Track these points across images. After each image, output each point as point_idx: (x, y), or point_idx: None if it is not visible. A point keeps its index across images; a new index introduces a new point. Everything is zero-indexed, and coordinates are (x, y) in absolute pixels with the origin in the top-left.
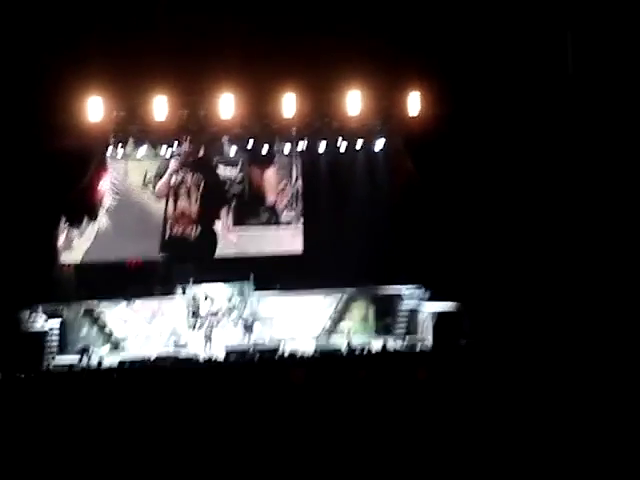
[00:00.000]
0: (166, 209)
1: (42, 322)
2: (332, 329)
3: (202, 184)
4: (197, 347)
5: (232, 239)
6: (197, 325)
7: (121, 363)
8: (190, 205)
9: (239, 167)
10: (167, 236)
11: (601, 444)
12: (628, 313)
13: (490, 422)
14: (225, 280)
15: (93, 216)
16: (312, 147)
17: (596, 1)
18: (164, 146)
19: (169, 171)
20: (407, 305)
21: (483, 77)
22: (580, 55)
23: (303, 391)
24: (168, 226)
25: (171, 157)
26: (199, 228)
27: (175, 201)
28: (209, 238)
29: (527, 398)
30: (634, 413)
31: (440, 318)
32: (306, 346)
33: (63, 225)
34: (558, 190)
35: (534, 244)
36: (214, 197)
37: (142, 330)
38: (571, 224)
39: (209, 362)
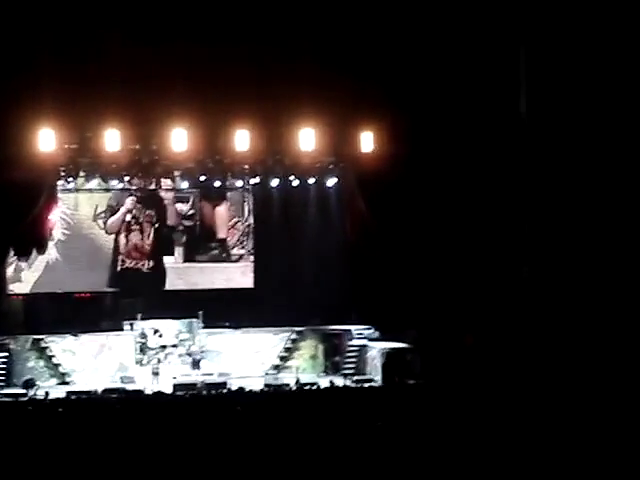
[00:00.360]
0: (116, 243)
1: None
2: (281, 366)
3: (153, 219)
4: (144, 381)
5: (182, 274)
6: (145, 360)
7: (68, 394)
8: (141, 239)
9: (191, 202)
10: (117, 270)
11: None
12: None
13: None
14: (174, 316)
15: (42, 248)
16: (264, 183)
17: (548, 42)
18: (115, 179)
19: (122, 208)
20: (356, 344)
21: (436, 117)
22: (532, 95)
23: (250, 426)
24: (118, 260)
25: (122, 190)
26: (149, 262)
27: (126, 235)
28: (159, 272)
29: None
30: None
31: (389, 357)
32: (254, 382)
33: (12, 257)
34: (508, 229)
35: (482, 285)
36: (165, 232)
37: (89, 364)
38: (524, 262)
39: (156, 396)
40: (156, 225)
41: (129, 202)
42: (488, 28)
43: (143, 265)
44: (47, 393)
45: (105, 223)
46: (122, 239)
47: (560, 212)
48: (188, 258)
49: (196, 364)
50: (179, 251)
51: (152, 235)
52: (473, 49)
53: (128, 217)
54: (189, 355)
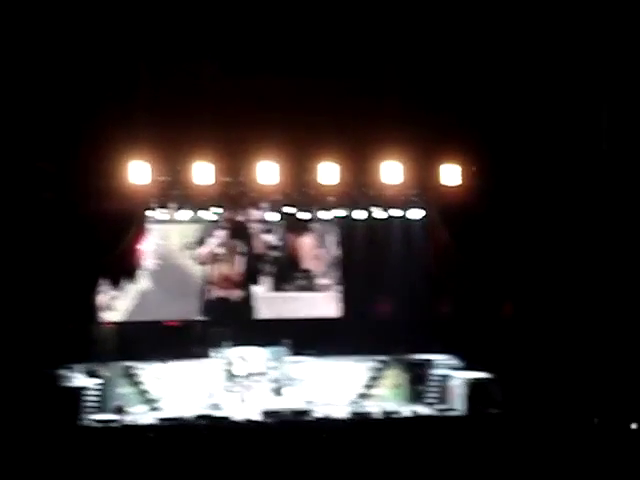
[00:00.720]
0: (206, 273)
1: (80, 380)
2: (366, 395)
3: (242, 249)
4: (232, 409)
5: (269, 303)
6: (232, 387)
7: (157, 421)
8: (230, 269)
9: (277, 233)
10: (206, 299)
11: None
12: None
13: None
14: (262, 343)
15: (133, 277)
16: (349, 215)
17: (631, 78)
18: (205, 211)
19: (211, 238)
20: (440, 373)
21: (520, 152)
22: (614, 132)
23: (336, 454)
24: (208, 289)
25: (212, 222)
26: (238, 292)
27: (215, 265)
28: (247, 302)
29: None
30: None
31: (472, 387)
32: (339, 411)
33: (104, 286)
34: (594, 263)
35: (569, 319)
36: (253, 262)
37: (178, 390)
38: (607, 298)
39: (244, 423)
40: (244, 255)
41: (218, 233)
42: (572, 68)
43: (232, 294)
44: (137, 418)
45: (195, 253)
46: (211, 269)
47: None
48: (275, 288)
49: (283, 391)
50: (266, 281)
51: (240, 265)
52: (557, 87)
53: (217, 248)
54: (276, 382)
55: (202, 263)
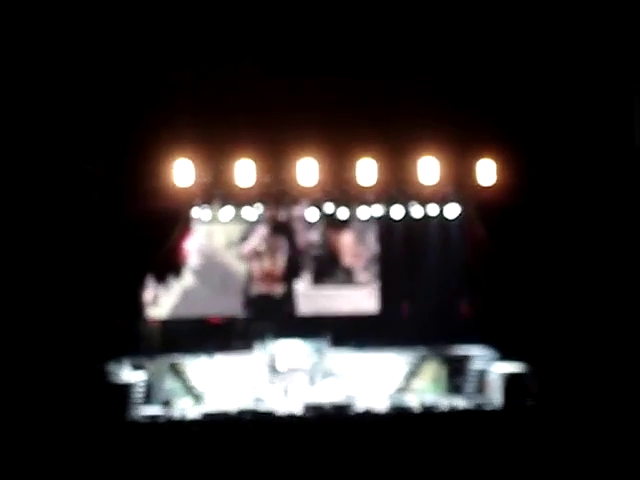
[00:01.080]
0: (248, 270)
1: (128, 374)
2: (405, 388)
3: (283, 246)
4: (275, 402)
5: (310, 299)
6: (275, 380)
7: (203, 415)
8: (272, 266)
9: (318, 231)
10: (249, 295)
11: None
12: None
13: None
14: (303, 337)
15: (178, 275)
16: (387, 212)
17: None
18: (247, 209)
19: (253, 235)
20: (477, 365)
21: (555, 148)
22: None
23: (376, 447)
24: (250, 286)
25: (254, 221)
26: (280, 288)
27: (258, 262)
28: (289, 298)
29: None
30: None
31: (509, 379)
32: (379, 404)
33: (150, 282)
34: (628, 258)
35: (603, 312)
36: (295, 259)
37: (223, 385)
38: None
39: (287, 417)
40: (285, 252)
41: (260, 231)
42: (604, 61)
43: (274, 290)
44: (183, 411)
45: (238, 251)
46: (254, 266)
47: None
48: (316, 284)
49: (324, 385)
50: (307, 277)
51: (282, 262)
52: (590, 83)
53: (259, 245)
54: (318, 376)
55: (245, 260)
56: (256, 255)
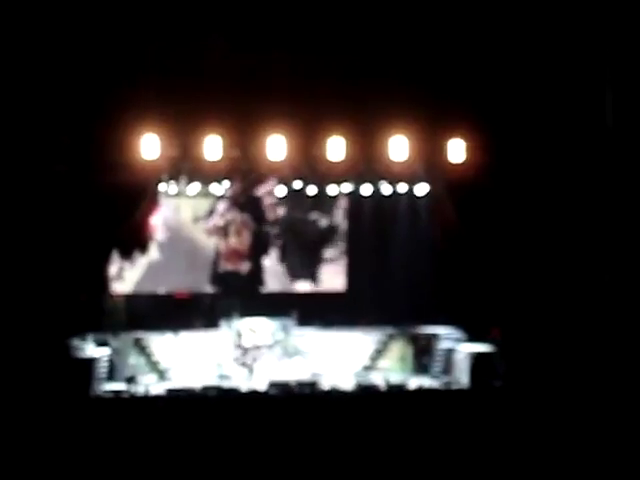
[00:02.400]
0: (216, 246)
1: (92, 350)
2: (371, 366)
3: (251, 223)
4: (240, 379)
5: (277, 276)
6: (241, 357)
7: (167, 392)
8: (239, 243)
9: (286, 207)
10: (216, 271)
11: None
12: None
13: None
14: (269, 315)
15: (144, 249)
16: (357, 189)
17: (636, 54)
18: (215, 184)
19: (220, 210)
20: (444, 345)
21: (525, 128)
22: (619, 108)
23: (342, 425)
24: (217, 262)
25: (222, 196)
26: (247, 265)
27: (225, 238)
28: (256, 275)
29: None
30: None
31: (476, 359)
32: (345, 382)
33: (115, 257)
34: (596, 239)
35: (571, 292)
36: (262, 235)
37: (187, 361)
38: (611, 271)
39: (252, 394)
40: (253, 229)
41: (227, 206)
42: (575, 40)
43: (241, 267)
44: (148, 387)
45: (205, 226)
46: (221, 242)
47: None
48: (283, 259)
49: (290, 362)
50: (274, 254)
51: (249, 239)
52: (561, 61)
53: (226, 221)
54: (283, 353)
55: (212, 235)
56: (223, 231)
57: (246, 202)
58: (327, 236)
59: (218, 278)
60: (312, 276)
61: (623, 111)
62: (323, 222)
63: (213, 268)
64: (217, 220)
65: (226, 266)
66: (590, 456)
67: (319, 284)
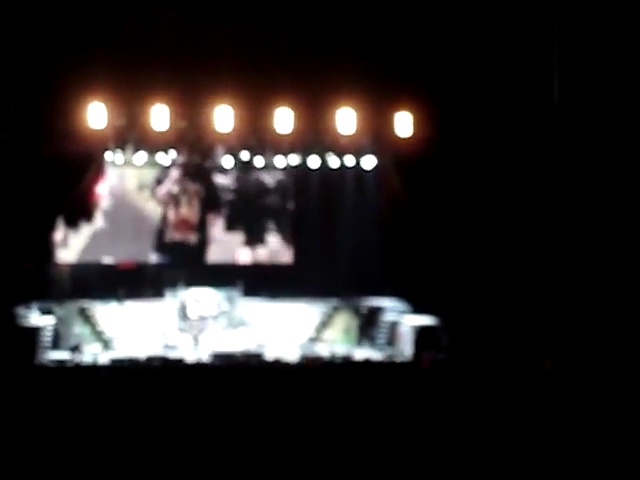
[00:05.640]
0: (162, 215)
1: (36, 318)
2: (316, 338)
3: (198, 193)
4: (185, 349)
5: (224, 247)
6: (186, 328)
7: (111, 361)
8: (185, 213)
9: (233, 177)
10: (162, 241)
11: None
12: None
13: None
14: (214, 286)
15: (89, 218)
16: (304, 162)
17: (582, 29)
18: (162, 154)
19: (167, 180)
20: (389, 317)
21: (473, 102)
22: (565, 84)
23: (285, 397)
24: (163, 231)
25: (169, 166)
26: (193, 234)
27: (171, 208)
28: (202, 244)
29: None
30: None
31: (420, 331)
32: (290, 353)
33: (60, 225)
34: (541, 214)
35: (515, 265)
36: (208, 204)
37: (132, 331)
38: (553, 245)
39: (196, 364)
40: (199, 199)
41: (175, 176)
42: (522, 14)
43: (187, 237)
44: (93, 359)
45: (151, 196)
46: (168, 212)
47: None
48: (230, 230)
49: (235, 333)
50: (221, 225)
51: (197, 209)
52: (507, 35)
53: (174, 190)
54: (228, 324)
55: (162, 204)
56: (169, 201)
57: (193, 172)
58: (274, 208)
59: (164, 247)
60: (258, 247)
61: (569, 86)
62: (270, 193)
63: (159, 237)
64: (169, 187)
65: (174, 236)
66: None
67: (265, 256)
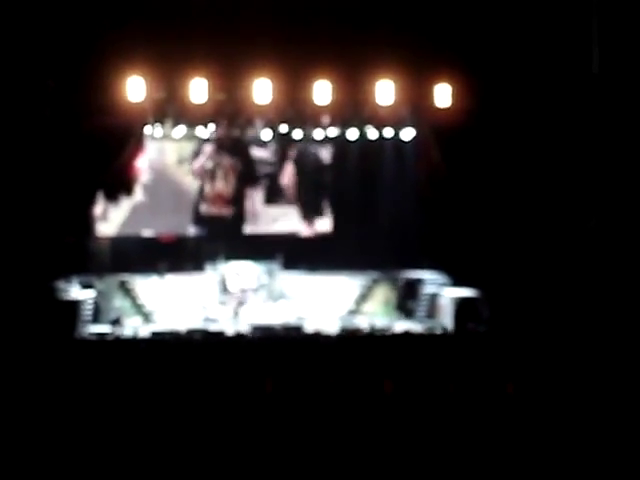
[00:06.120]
0: (200, 188)
1: (77, 292)
2: (355, 310)
3: (236, 165)
4: (225, 322)
5: (262, 219)
6: (226, 301)
7: (152, 334)
8: (224, 185)
9: (272, 149)
10: (200, 214)
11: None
12: None
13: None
14: (254, 258)
15: (129, 192)
16: (343, 134)
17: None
18: (200, 127)
19: (205, 152)
20: (429, 290)
21: (511, 73)
22: (605, 55)
23: (325, 368)
24: (201, 205)
25: (207, 139)
26: (231, 207)
27: (209, 181)
28: (240, 217)
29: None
30: None
31: (460, 304)
32: (330, 326)
33: (100, 199)
34: (581, 184)
35: (555, 236)
36: (247, 177)
37: (173, 304)
38: (594, 216)
39: (236, 337)
40: (237, 172)
41: (209, 144)
42: None
43: (225, 210)
44: (133, 330)
45: (189, 169)
46: (206, 185)
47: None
48: (268, 203)
49: (275, 306)
50: (260, 197)
51: (233, 183)
52: (547, 5)
53: (211, 164)
54: (268, 297)
55: (198, 177)
56: (207, 174)
57: (231, 145)
58: (314, 180)
59: (202, 221)
60: (298, 220)
61: (609, 57)
62: (309, 166)
63: (195, 210)
64: (204, 162)
65: (210, 209)
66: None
67: (305, 228)
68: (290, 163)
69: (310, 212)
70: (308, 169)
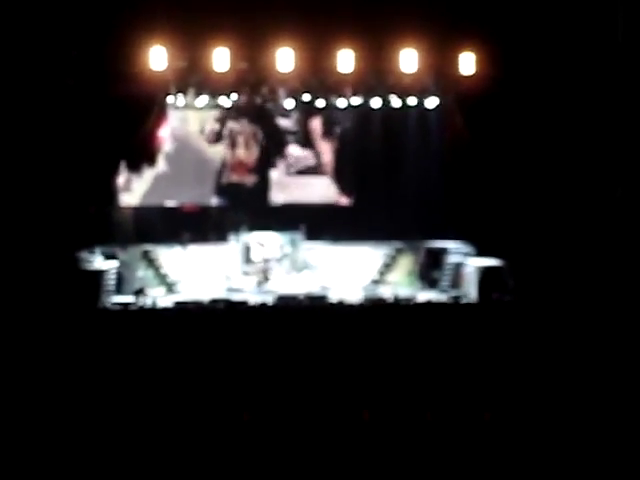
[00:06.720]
0: (222, 157)
1: (100, 262)
2: (379, 280)
3: (259, 134)
4: (249, 292)
5: (284, 189)
6: (249, 271)
7: (175, 304)
8: (246, 154)
9: (294, 118)
10: (222, 183)
11: None
12: None
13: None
14: (277, 229)
15: (152, 161)
16: (366, 103)
17: None
18: (223, 97)
19: (228, 123)
20: (453, 259)
21: (536, 41)
22: (630, 24)
23: (349, 338)
24: (224, 174)
25: (229, 108)
26: (254, 177)
27: (232, 150)
28: (263, 187)
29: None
30: None
31: (485, 273)
32: (353, 295)
33: (123, 169)
34: (607, 153)
35: (581, 206)
36: (269, 147)
37: (196, 274)
38: (621, 186)
39: (260, 307)
40: (261, 141)
41: (235, 118)
42: None
43: (247, 179)
44: (156, 300)
45: (211, 138)
46: (228, 154)
47: None
48: (290, 173)
49: (299, 276)
50: (282, 167)
51: (257, 151)
52: None
53: (234, 133)
54: (292, 267)
55: (212, 143)
56: (230, 143)
57: (254, 114)
58: (337, 149)
59: (223, 189)
60: (321, 189)
61: (634, 26)
62: (332, 135)
63: (217, 179)
64: (224, 131)
65: (231, 177)
66: (594, 373)
67: (327, 198)
68: (315, 133)
69: (339, 182)
70: (333, 138)
